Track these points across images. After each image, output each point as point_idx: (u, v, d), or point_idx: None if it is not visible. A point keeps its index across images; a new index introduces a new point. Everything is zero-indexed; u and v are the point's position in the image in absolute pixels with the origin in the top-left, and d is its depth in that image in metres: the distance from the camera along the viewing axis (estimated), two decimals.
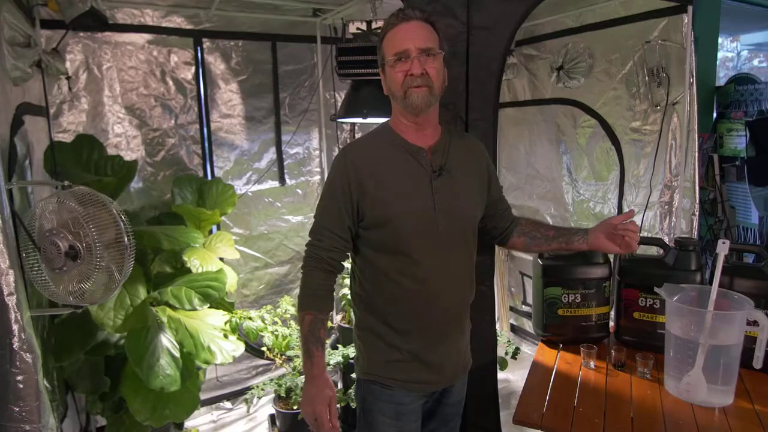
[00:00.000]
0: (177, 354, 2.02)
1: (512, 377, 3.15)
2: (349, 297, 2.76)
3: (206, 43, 2.81)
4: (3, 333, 1.17)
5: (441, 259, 1.37)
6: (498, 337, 2.29)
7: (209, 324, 2.30)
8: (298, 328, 1.39)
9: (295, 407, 2.54)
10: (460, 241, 1.41)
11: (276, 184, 3.15)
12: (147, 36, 2.65)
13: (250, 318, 2.50)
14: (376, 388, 1.43)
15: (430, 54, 1.30)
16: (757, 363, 1.53)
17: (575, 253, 1.98)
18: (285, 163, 3.16)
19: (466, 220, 1.42)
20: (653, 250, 2.09)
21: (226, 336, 2.31)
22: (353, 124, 3.37)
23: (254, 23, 2.90)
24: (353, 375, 2.36)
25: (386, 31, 1.34)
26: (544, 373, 1.76)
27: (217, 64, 2.86)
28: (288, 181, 3.19)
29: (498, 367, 2.16)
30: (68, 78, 2.45)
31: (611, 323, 2.02)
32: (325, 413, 1.28)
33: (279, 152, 3.12)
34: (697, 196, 2.59)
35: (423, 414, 1.51)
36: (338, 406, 2.58)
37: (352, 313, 2.76)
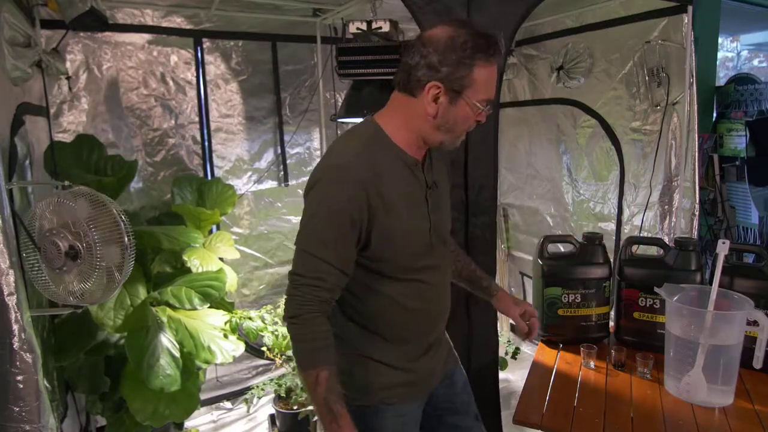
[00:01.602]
0: (177, 354, 2.02)
1: (512, 377, 3.15)
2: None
3: (206, 43, 2.81)
4: (3, 333, 1.17)
5: (438, 275, 1.33)
6: (498, 337, 2.29)
7: (209, 324, 2.30)
8: (306, 388, 1.21)
9: (295, 407, 2.54)
10: (446, 258, 1.39)
11: (276, 184, 3.15)
12: (147, 36, 2.65)
13: (250, 318, 2.50)
14: (381, 407, 1.34)
15: None
16: (757, 363, 1.53)
17: (575, 252, 1.98)
18: (285, 163, 3.16)
19: (447, 233, 1.39)
20: (653, 250, 2.09)
21: (226, 336, 2.30)
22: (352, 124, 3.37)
23: (254, 23, 2.90)
24: None
25: (483, 62, 1.14)
26: (544, 373, 1.76)
27: (217, 64, 2.86)
28: (288, 181, 3.19)
29: (498, 366, 2.16)
30: (68, 78, 2.45)
31: (611, 323, 2.02)
32: None
33: (283, 151, 3.11)
34: (697, 196, 2.59)
35: (443, 413, 1.48)
36: None
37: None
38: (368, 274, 1.24)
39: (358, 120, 2.67)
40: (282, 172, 3.16)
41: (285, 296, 1.23)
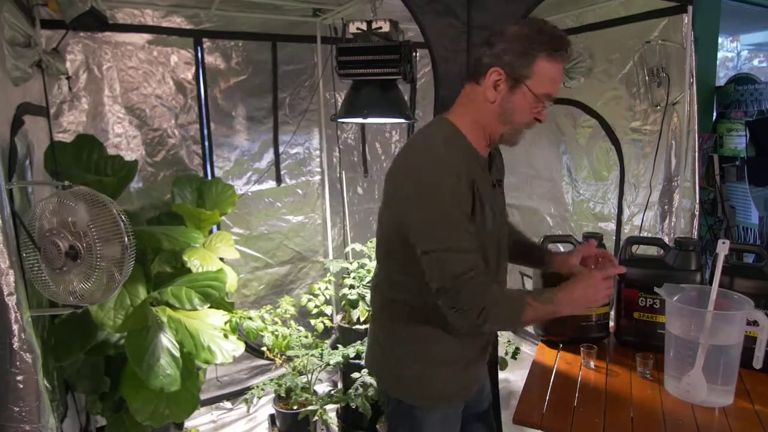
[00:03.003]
0: (177, 354, 2.02)
1: (512, 377, 3.15)
2: (349, 297, 2.77)
3: (206, 43, 2.81)
4: (3, 333, 1.17)
5: (502, 273, 1.36)
6: (498, 337, 2.29)
7: (209, 324, 2.30)
8: (529, 323, 1.28)
9: (295, 407, 2.54)
10: (506, 252, 1.39)
11: (275, 184, 3.15)
12: (147, 36, 2.65)
13: (250, 318, 2.50)
14: (434, 407, 1.36)
15: None
16: (757, 363, 1.53)
17: None
18: (285, 163, 3.16)
19: (505, 228, 1.39)
20: (653, 250, 2.09)
21: (226, 336, 2.30)
22: (354, 125, 3.37)
23: (254, 23, 2.90)
24: (353, 375, 2.37)
25: (546, 56, 1.16)
26: (544, 373, 1.76)
27: (217, 64, 2.86)
28: (288, 181, 3.19)
29: (498, 367, 2.16)
30: (68, 78, 2.45)
31: (611, 323, 2.02)
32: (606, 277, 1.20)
33: (276, 152, 3.12)
34: (697, 196, 2.59)
35: (470, 418, 1.52)
36: (338, 406, 2.59)
37: (352, 314, 2.77)
38: None
39: (358, 120, 2.68)
40: (282, 173, 3.16)
41: (451, 312, 1.16)
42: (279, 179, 3.15)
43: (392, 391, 1.37)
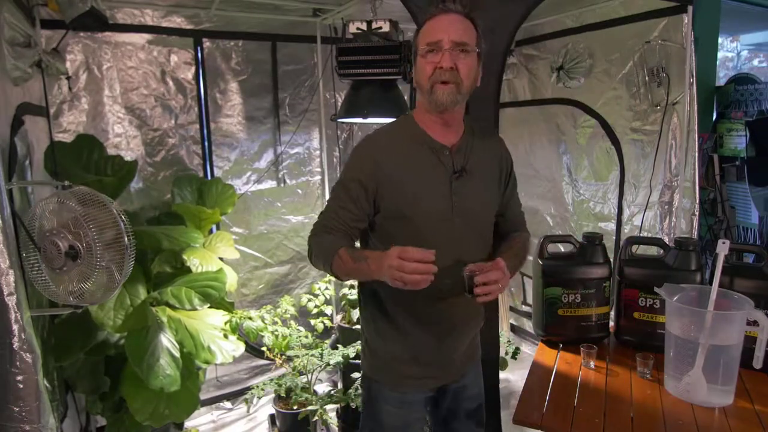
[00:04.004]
0: (177, 354, 2.02)
1: (512, 377, 3.15)
2: (349, 297, 2.77)
3: (206, 43, 2.81)
4: (3, 333, 1.17)
5: (455, 257, 1.34)
6: (498, 337, 2.29)
7: (209, 324, 2.30)
8: (341, 275, 1.32)
9: (295, 407, 2.54)
10: (475, 241, 1.40)
11: (275, 184, 3.15)
12: (147, 36, 2.65)
13: (250, 318, 2.50)
14: (383, 386, 1.46)
15: (464, 50, 1.25)
16: (757, 363, 1.53)
17: (575, 252, 1.98)
18: (285, 163, 3.16)
19: (482, 221, 1.42)
20: (653, 250, 2.09)
21: (226, 336, 2.31)
22: (353, 125, 3.37)
23: (254, 23, 2.90)
24: (353, 375, 2.37)
25: (424, 22, 1.30)
26: (544, 373, 1.76)
27: (217, 64, 2.86)
28: (288, 181, 3.19)
29: (498, 367, 2.16)
30: (68, 78, 2.45)
31: (611, 323, 2.02)
32: (401, 255, 1.14)
33: (276, 152, 3.12)
34: (697, 196, 2.59)
35: (445, 414, 1.54)
36: (338, 406, 2.59)
37: (352, 314, 2.77)
38: (382, 244, 1.33)
39: (358, 120, 2.67)
40: (281, 172, 3.16)
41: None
42: (281, 179, 3.15)
43: (363, 367, 1.53)
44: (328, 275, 2.93)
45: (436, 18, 1.28)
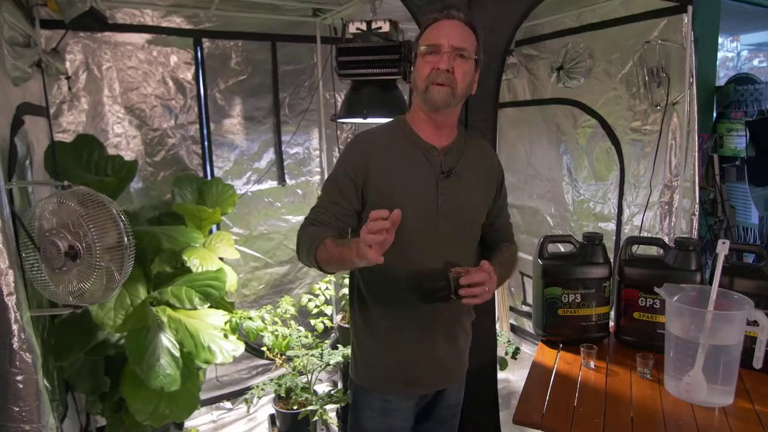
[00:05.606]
0: (177, 354, 2.02)
1: (512, 377, 3.15)
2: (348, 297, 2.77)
3: (206, 43, 2.80)
4: (3, 333, 1.17)
5: (439, 259, 1.35)
6: (498, 337, 2.29)
7: (209, 324, 2.30)
8: (326, 265, 1.28)
9: (295, 407, 2.54)
10: (461, 243, 1.41)
11: (275, 184, 3.15)
12: (147, 36, 2.65)
13: (250, 318, 2.50)
14: (367, 390, 1.46)
15: (462, 55, 1.28)
16: (757, 363, 1.53)
17: (575, 252, 1.98)
18: (285, 163, 3.16)
19: (468, 224, 1.42)
20: (653, 250, 2.09)
21: (226, 336, 2.31)
22: (353, 125, 3.37)
23: (254, 23, 2.90)
24: None
25: (426, 26, 1.33)
26: (544, 373, 1.76)
27: (216, 65, 2.86)
28: (288, 181, 3.19)
29: (498, 367, 2.16)
30: (68, 78, 2.45)
31: (611, 323, 2.02)
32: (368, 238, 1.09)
33: (279, 152, 3.12)
34: (697, 196, 2.59)
35: (418, 413, 1.52)
36: (338, 406, 2.59)
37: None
38: None
39: (358, 120, 2.67)
40: (280, 172, 3.16)
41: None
42: (283, 179, 3.15)
43: (350, 371, 1.54)
44: (328, 275, 2.95)
45: (439, 23, 1.31)
